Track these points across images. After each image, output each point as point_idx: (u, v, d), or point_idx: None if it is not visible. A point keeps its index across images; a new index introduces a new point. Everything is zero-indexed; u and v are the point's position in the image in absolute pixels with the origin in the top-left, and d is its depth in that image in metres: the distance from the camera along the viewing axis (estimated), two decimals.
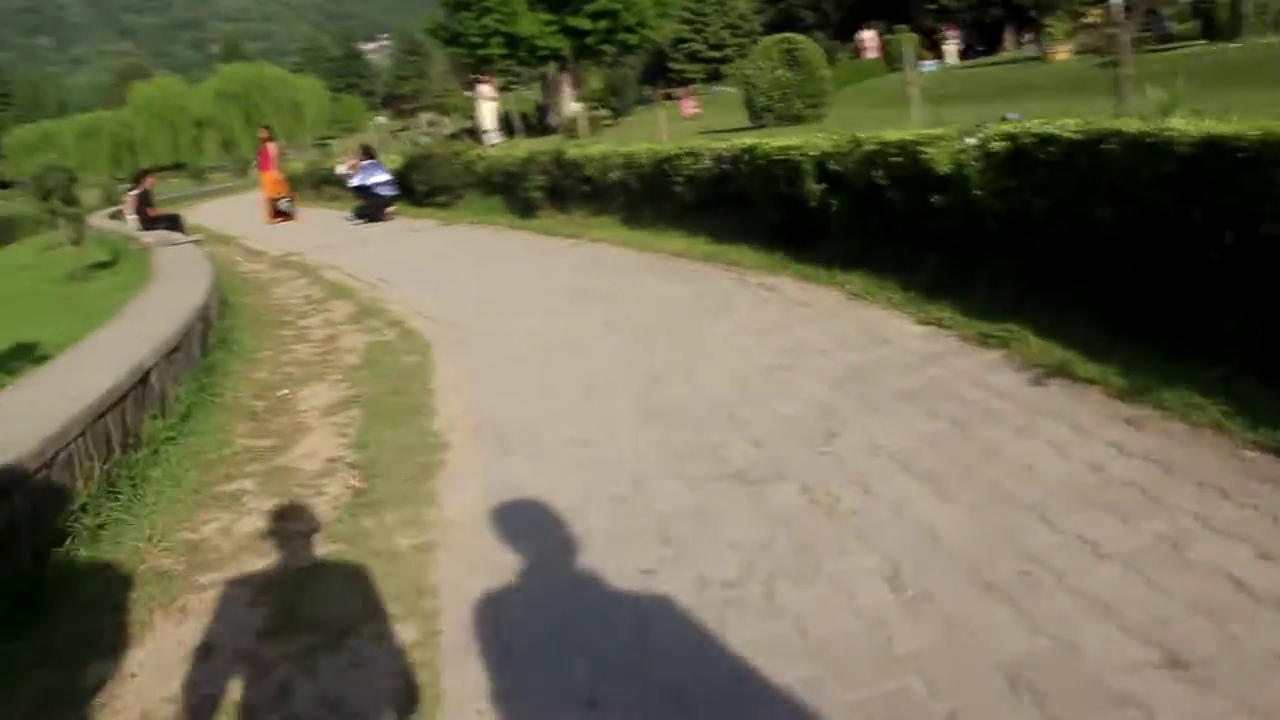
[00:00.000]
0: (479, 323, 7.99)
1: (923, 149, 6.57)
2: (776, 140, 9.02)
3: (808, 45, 20.40)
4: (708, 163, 10.10)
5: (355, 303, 9.71)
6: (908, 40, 36.02)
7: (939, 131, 6.67)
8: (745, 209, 9.53)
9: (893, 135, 7.12)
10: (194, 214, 28.24)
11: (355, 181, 17.98)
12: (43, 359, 7.31)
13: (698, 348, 6.22)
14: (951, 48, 44.15)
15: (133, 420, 5.19)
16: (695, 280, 8.48)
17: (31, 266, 19.07)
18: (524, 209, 14.48)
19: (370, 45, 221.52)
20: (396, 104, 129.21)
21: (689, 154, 10.49)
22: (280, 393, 6.63)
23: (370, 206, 17.64)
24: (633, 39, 43.11)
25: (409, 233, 15.45)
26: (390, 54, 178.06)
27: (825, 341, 5.90)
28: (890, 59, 43.19)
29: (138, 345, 5.91)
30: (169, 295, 8.08)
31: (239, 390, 6.71)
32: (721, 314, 7.04)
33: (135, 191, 20.35)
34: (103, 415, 4.73)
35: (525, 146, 16.50)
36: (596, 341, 6.79)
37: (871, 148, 7.25)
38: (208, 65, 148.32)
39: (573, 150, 13.24)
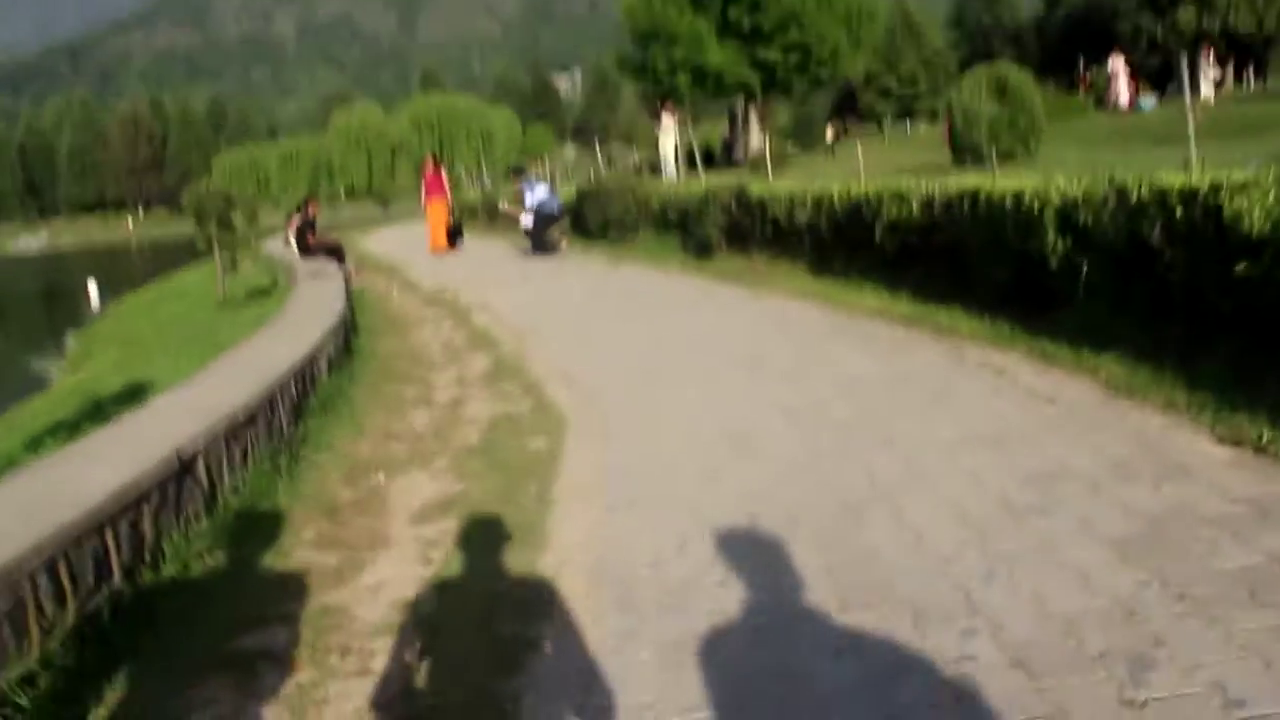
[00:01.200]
0: (629, 396, 6.60)
1: (1224, 200, 4.90)
2: (1006, 183, 7.43)
3: (1020, 77, 18.50)
4: (915, 208, 8.54)
5: (495, 356, 8.47)
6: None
7: (1246, 177, 4.99)
8: (960, 264, 7.93)
9: (1173, 179, 5.45)
10: (371, 240, 28.02)
11: (526, 204, 17.26)
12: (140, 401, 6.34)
13: (908, 461, 4.63)
14: (1210, 76, 37.61)
15: (151, 532, 3.99)
16: (898, 352, 6.91)
17: (198, 291, 18.74)
18: (700, 250, 13.12)
19: (563, 77, 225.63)
20: (585, 135, 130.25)
21: (893, 196, 8.95)
22: (375, 478, 5.38)
23: (537, 231, 16.77)
24: (824, 73, 41.53)
25: (574, 271, 14.27)
26: (581, 86, 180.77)
27: (1090, 466, 4.24)
28: (1096, 92, 40.57)
29: (188, 421, 4.74)
30: (264, 350, 6.94)
31: (328, 472, 5.46)
32: (936, 406, 5.45)
33: (296, 217, 19.78)
34: (83, 538, 3.49)
35: (705, 182, 15.16)
36: (771, 437, 5.28)
37: (1140, 196, 5.59)
38: (407, 95, 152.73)
39: (756, 188, 11.82)
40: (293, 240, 18.99)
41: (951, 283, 8.03)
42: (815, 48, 39.39)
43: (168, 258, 31.21)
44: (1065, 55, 63.77)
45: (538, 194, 17.26)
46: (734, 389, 6.45)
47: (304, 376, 6.59)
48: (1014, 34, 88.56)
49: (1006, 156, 17.95)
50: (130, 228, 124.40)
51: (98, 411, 8.02)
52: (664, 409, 6.14)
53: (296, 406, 6.24)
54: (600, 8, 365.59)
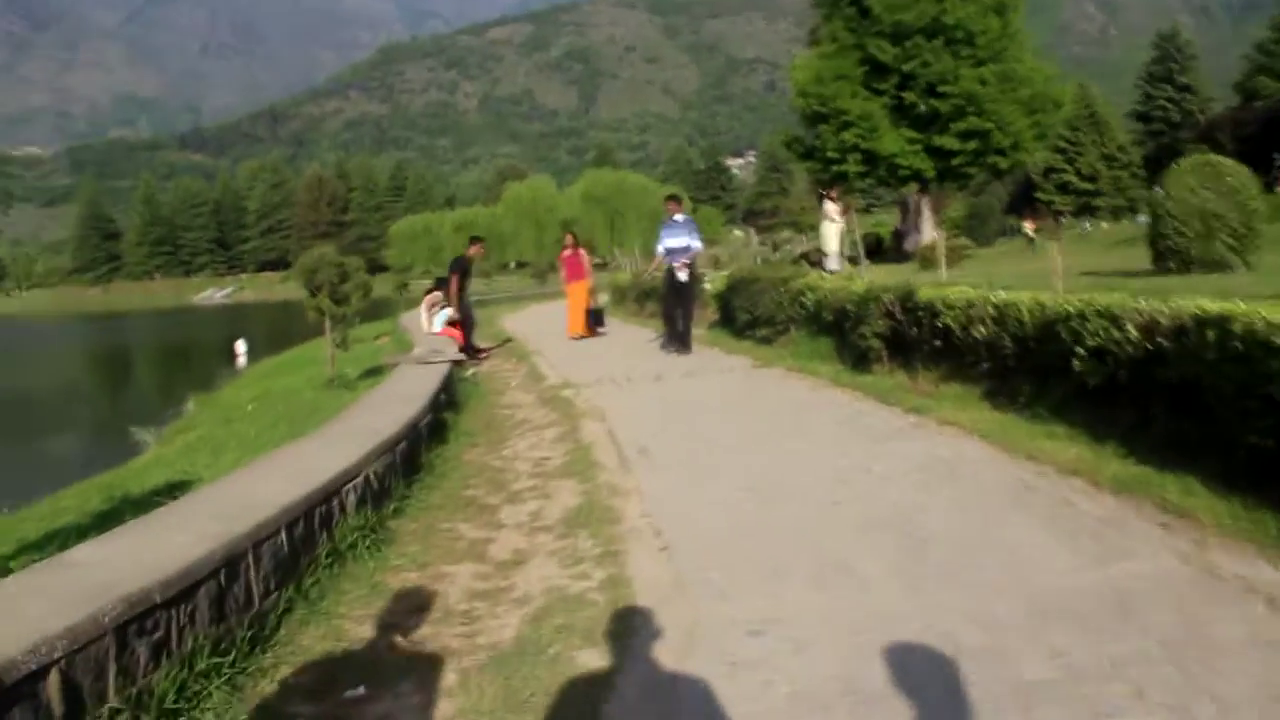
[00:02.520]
0: (734, 580, 4.80)
1: None
2: (1268, 309, 5.50)
3: (1237, 170, 16.20)
4: (1132, 332, 6.63)
5: (588, 489, 6.83)
6: None
7: None
8: (1195, 411, 6.00)
9: None
10: (516, 318, 26.93)
11: (658, 252, 15.82)
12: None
13: None
14: None
15: None
16: (1109, 544, 4.99)
17: (312, 364, 17.74)
18: (856, 359, 11.31)
19: (736, 160, 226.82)
20: (755, 219, 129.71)
21: (1100, 314, 7.04)
22: (350, 693, 3.79)
23: (668, 309, 15.22)
24: (1003, 163, 39.27)
25: (711, 373, 12.58)
26: (754, 170, 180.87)
27: None
28: None
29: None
30: (253, 489, 5.37)
31: (290, 674, 3.91)
32: (1179, 664, 3.57)
33: (434, 292, 18.77)
34: None
35: (869, 279, 13.33)
36: (929, 688, 3.51)
37: None
38: (581, 171, 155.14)
39: (926, 291, 9.96)
40: (428, 321, 17.93)
41: (1181, 437, 6.08)
42: (995, 135, 37.27)
43: (371, 308, 31.28)
44: (1263, 151, 59.64)
45: (669, 238, 15.13)
46: (879, 585, 4.64)
47: (312, 517, 5.05)
48: (1206, 129, 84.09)
49: (1217, 265, 15.69)
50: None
51: (106, 519, 6.70)
52: (777, 614, 4.37)
53: (287, 559, 4.67)
54: (778, 90, 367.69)
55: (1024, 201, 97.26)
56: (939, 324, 9.48)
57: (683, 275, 14.78)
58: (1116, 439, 6.60)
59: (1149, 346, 6.45)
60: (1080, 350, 7.19)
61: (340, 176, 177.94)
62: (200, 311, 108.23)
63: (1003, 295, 8.70)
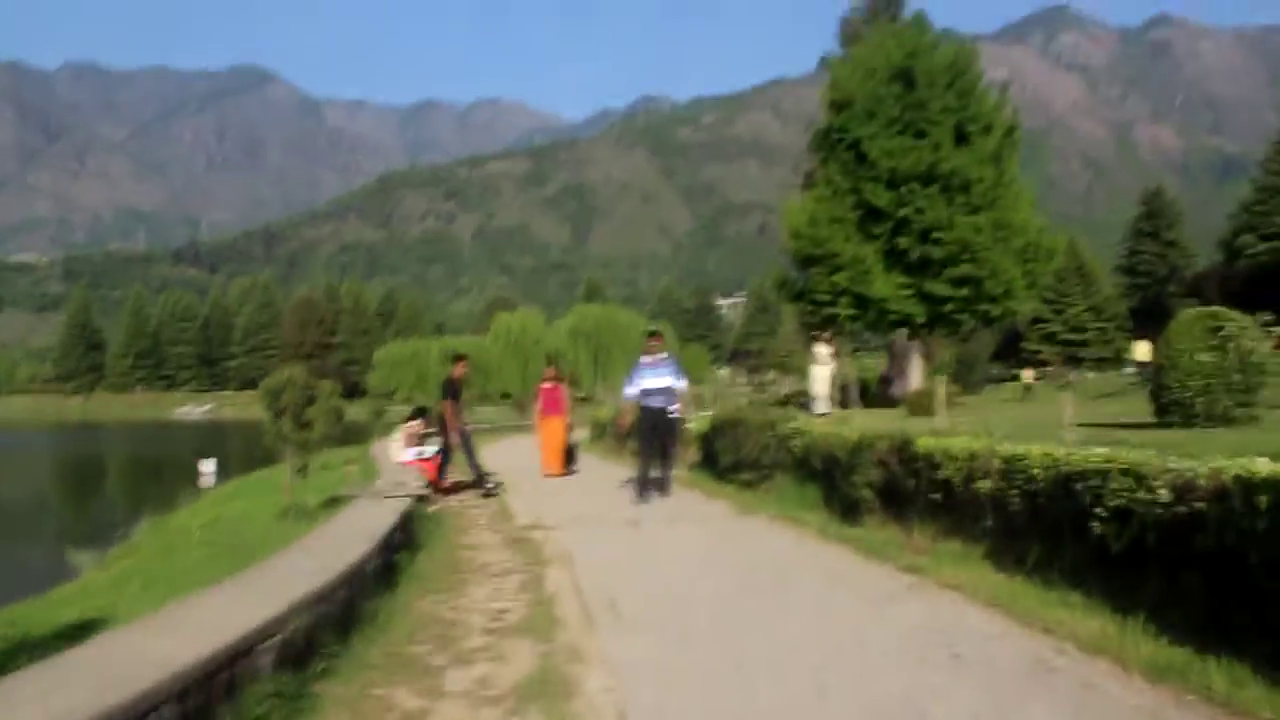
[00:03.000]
0: None
1: None
2: None
3: (1242, 323, 15.73)
4: (1161, 494, 5.93)
5: (545, 653, 6.00)
6: None
7: None
8: (1239, 587, 5.29)
9: None
10: (495, 449, 26.13)
11: (627, 394, 14.83)
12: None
13: None
14: None
15: None
16: None
17: (275, 490, 16.88)
18: (846, 509, 10.57)
19: (725, 301, 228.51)
20: (741, 359, 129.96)
21: (1125, 474, 6.35)
22: None
23: (644, 448, 13.89)
24: (995, 310, 38.98)
25: (690, 520, 11.79)
26: (742, 310, 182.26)
27: None
28: None
29: None
30: (149, 646, 4.53)
31: None
32: None
33: (413, 421, 18.04)
34: None
35: (859, 424, 12.63)
36: None
37: None
38: (571, 305, 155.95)
39: (925, 441, 9.26)
40: (400, 449, 17.10)
41: (1222, 615, 5.36)
42: (987, 283, 37.06)
43: (347, 433, 30.19)
44: (1249, 307, 59.84)
45: (646, 378, 13.94)
46: None
47: (212, 684, 4.23)
48: (1193, 283, 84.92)
49: (1222, 419, 15.08)
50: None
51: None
52: None
53: None
54: (768, 233, 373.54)
55: (1010, 351, 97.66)
56: (938, 476, 8.77)
57: (674, 412, 14.02)
58: (1144, 613, 5.86)
59: (1183, 510, 5.74)
60: (1100, 511, 6.48)
61: (330, 299, 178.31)
62: (178, 427, 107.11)
63: (1009, 448, 8.01)
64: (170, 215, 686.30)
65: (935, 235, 37.36)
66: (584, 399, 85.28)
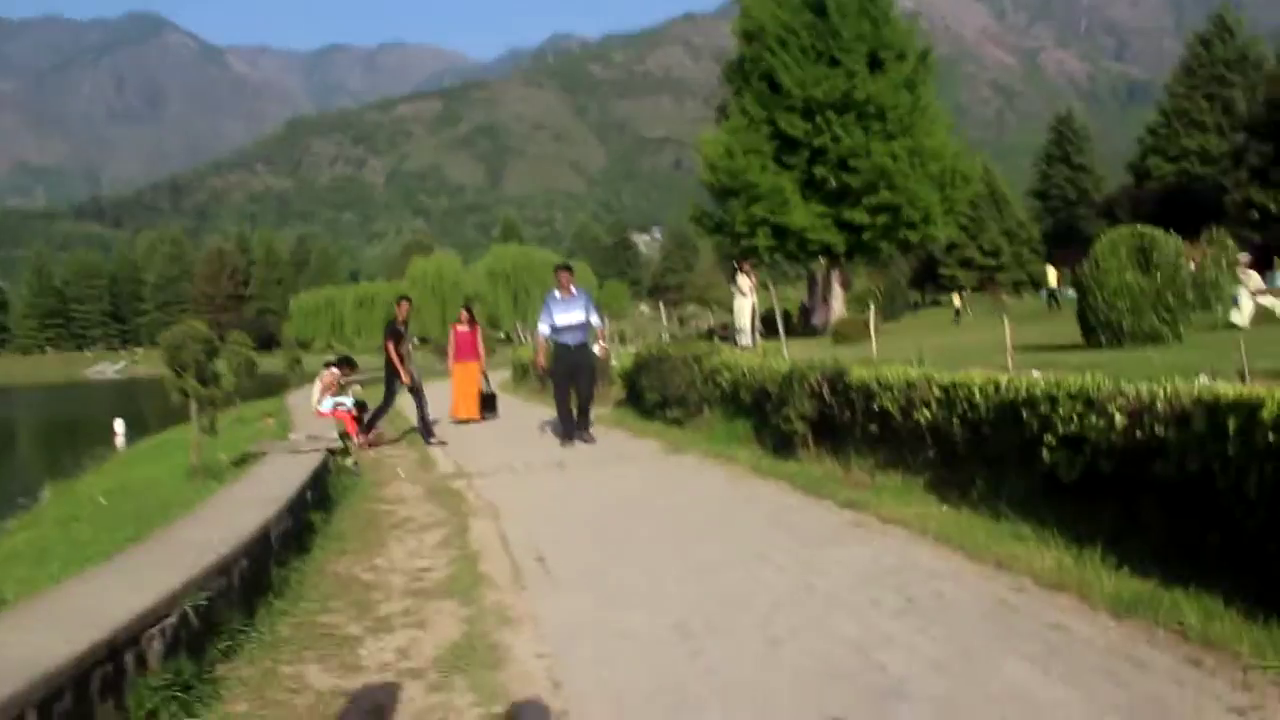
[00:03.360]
0: None
1: None
2: None
3: (1167, 242, 15.61)
4: (1116, 417, 5.61)
5: (471, 616, 5.57)
6: None
7: None
8: (1205, 514, 5.00)
9: None
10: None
11: (542, 331, 14.01)
12: None
13: None
14: None
15: None
16: (1133, 689, 3.91)
17: (186, 449, 16.18)
18: (780, 444, 10.23)
19: (642, 237, 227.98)
20: (661, 294, 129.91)
21: (1073, 398, 6.03)
22: None
23: (560, 392, 13.23)
24: (914, 236, 39.07)
25: (619, 460, 11.40)
26: (660, 246, 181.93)
27: None
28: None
29: None
30: (8, 644, 4.01)
31: None
32: None
33: (332, 369, 17.07)
34: None
35: (787, 356, 12.27)
36: None
37: None
38: (488, 246, 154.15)
39: (859, 371, 8.92)
40: (320, 403, 16.25)
41: (1188, 544, 5.07)
42: (905, 210, 37.00)
43: (266, 385, 29.30)
44: (1159, 227, 60.52)
45: (558, 315, 13.23)
46: None
47: (89, 681, 3.72)
48: (1104, 206, 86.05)
49: (1151, 338, 15.00)
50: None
51: None
52: None
53: None
54: (684, 168, 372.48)
55: (926, 277, 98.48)
56: (875, 407, 8.44)
57: (596, 350, 13.70)
58: (1101, 543, 5.57)
59: (1139, 435, 5.43)
60: (1049, 439, 6.16)
61: (242, 250, 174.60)
62: (90, 387, 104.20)
63: (948, 375, 7.68)
64: (70, 170, 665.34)
65: (852, 163, 37.19)
66: (504, 339, 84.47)
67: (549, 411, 17.70)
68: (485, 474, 11.07)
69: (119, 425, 29.38)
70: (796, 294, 59.80)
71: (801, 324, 43.79)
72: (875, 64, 37.73)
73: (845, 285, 43.91)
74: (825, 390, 9.34)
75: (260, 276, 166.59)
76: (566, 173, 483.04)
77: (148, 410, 41.00)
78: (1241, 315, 19.31)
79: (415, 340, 14.05)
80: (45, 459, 30.09)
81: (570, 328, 13.09)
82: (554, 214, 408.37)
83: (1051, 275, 42.96)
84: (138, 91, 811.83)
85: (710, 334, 53.22)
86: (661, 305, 32.28)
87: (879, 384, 8.40)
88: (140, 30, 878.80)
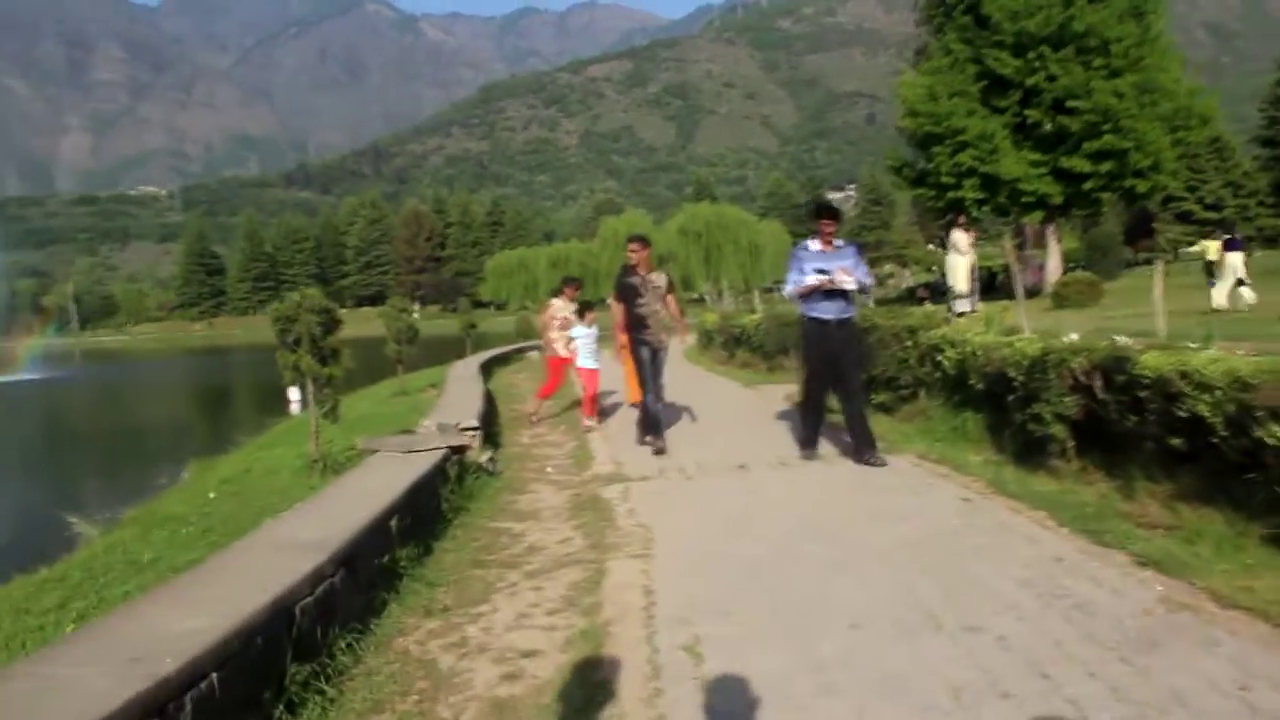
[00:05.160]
0: None
1: None
2: None
3: None
4: None
5: None
6: None
7: None
8: None
9: None
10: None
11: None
12: None
13: None
14: None
15: None
16: None
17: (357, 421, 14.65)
18: (1024, 449, 7.75)
19: (836, 194, 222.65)
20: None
21: None
22: None
23: (819, 360, 9.16)
24: (1142, 186, 34.87)
25: (819, 463, 9.11)
26: (855, 204, 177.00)
27: None
28: None
29: None
30: None
31: None
32: None
33: (555, 303, 14.06)
34: None
35: (1025, 325, 9.63)
36: None
37: None
38: (679, 205, 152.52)
39: (1153, 358, 6.36)
40: (556, 345, 13.62)
41: None
42: (1133, 156, 32.99)
43: (426, 356, 28.25)
44: None
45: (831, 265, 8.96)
46: None
47: None
48: None
49: None
50: (412, 319, 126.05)
51: None
52: None
53: None
54: (878, 122, 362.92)
55: (1140, 233, 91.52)
56: (1180, 412, 5.90)
57: (845, 310, 9.01)
58: None
59: None
60: None
61: (438, 212, 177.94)
62: None
63: None
64: (279, 139, 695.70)
65: (1070, 104, 33.40)
66: (698, 300, 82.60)
67: (733, 384, 15.52)
68: (649, 477, 8.96)
69: (293, 392, 28.58)
70: (994, 253, 55.61)
71: (1006, 286, 40.20)
72: None
73: (1060, 241, 40.02)
74: (1097, 383, 6.82)
75: (456, 238, 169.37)
76: (757, 130, 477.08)
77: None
78: None
79: (661, 283, 11.02)
80: (221, 424, 29.62)
81: (831, 296, 8.92)
82: (745, 172, 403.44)
83: (1212, 248, 34.92)
84: (339, 62, 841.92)
85: (911, 295, 50.00)
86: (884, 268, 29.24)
87: (1187, 379, 5.86)
88: (339, 4, 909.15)
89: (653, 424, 10.61)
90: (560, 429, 13.09)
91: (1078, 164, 33.90)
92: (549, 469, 9.95)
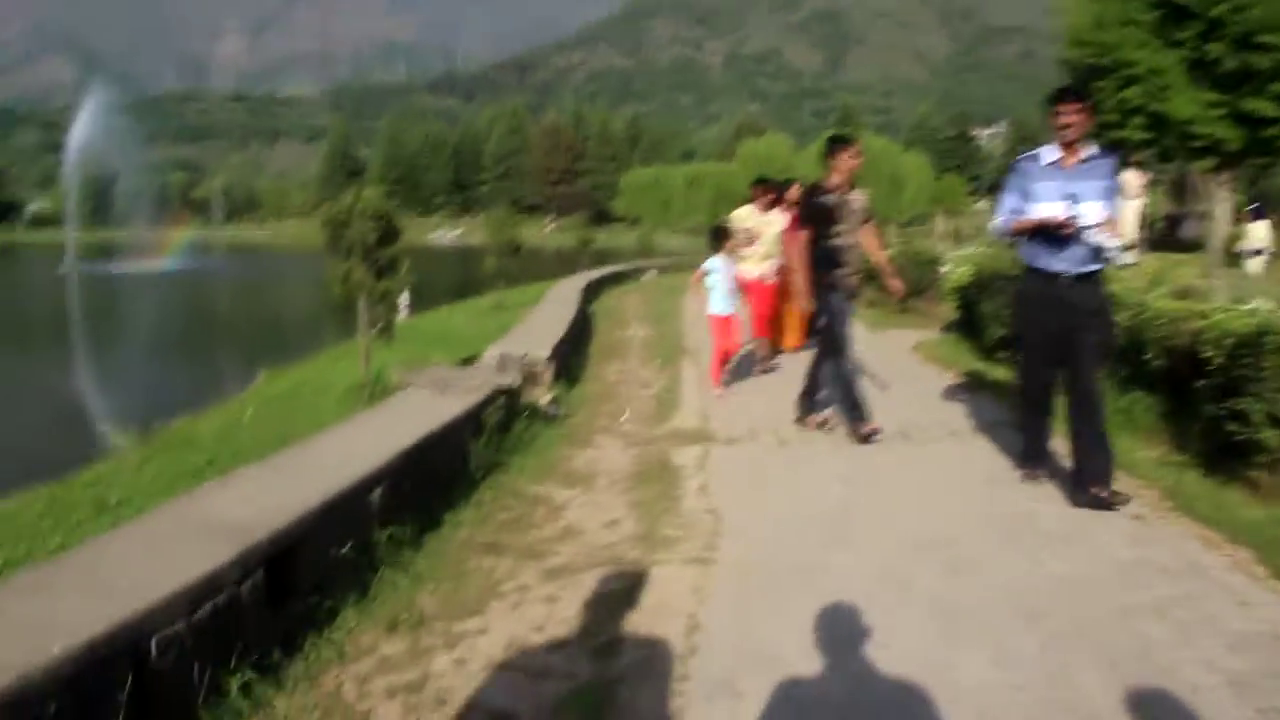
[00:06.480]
0: None
1: None
2: None
3: None
4: None
5: None
6: None
7: None
8: None
9: None
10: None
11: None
12: None
13: None
14: None
15: None
16: None
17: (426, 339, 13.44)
18: (1215, 451, 6.00)
19: (986, 130, 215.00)
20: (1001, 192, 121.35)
21: None
22: None
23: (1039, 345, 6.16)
24: None
25: (940, 438, 7.44)
26: (1003, 139, 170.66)
27: None
28: None
29: None
30: None
31: None
32: None
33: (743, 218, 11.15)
34: None
35: (1258, 303, 7.53)
36: None
37: None
38: (823, 133, 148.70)
39: None
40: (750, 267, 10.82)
41: None
42: None
43: (557, 265, 27.18)
44: None
45: (1049, 198, 5.82)
46: None
47: None
48: None
49: None
50: (546, 230, 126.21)
51: None
52: None
53: None
54: (1034, 58, 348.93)
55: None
56: None
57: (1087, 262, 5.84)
58: None
59: None
60: None
61: (577, 126, 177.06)
62: (426, 251, 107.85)
63: None
64: (426, 47, 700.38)
65: (1260, 39, 30.08)
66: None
67: (902, 335, 13.65)
68: (735, 439, 7.44)
69: (404, 297, 27.58)
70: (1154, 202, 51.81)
71: (1165, 237, 37.18)
72: None
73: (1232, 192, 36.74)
74: None
75: (594, 152, 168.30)
76: (908, 61, 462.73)
77: (458, 277, 39.93)
78: None
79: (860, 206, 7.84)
80: (326, 324, 28.95)
81: (1065, 238, 5.75)
82: (893, 103, 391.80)
83: (1260, 231, 28.32)
84: None
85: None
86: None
87: None
88: None
89: (850, 399, 7.57)
90: (655, 363, 11.60)
91: (1262, 106, 30.62)
92: (624, 417, 8.48)
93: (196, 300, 40.66)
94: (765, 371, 10.50)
